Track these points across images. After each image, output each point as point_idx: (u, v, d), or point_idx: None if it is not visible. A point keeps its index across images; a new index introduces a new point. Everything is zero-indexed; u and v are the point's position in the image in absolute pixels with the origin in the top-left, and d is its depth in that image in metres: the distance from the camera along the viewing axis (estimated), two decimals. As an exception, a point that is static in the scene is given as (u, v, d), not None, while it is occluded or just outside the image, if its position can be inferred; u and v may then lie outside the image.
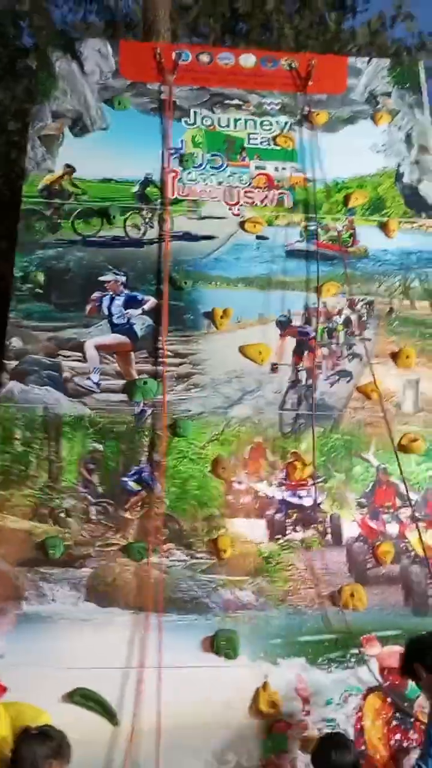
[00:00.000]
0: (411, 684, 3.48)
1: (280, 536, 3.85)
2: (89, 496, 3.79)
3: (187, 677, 3.46)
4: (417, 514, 3.98)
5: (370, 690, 3.61)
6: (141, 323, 4.16)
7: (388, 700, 3.59)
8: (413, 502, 4.00)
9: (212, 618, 3.62)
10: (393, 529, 3.96)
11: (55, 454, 3.85)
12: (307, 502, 3.95)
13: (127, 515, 3.78)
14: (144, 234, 4.38)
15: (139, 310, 4.17)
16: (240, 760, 3.38)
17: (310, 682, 3.57)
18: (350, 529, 3.92)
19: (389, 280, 4.50)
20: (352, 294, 4.41)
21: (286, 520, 3.89)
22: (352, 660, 3.64)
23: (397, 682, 3.62)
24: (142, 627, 3.51)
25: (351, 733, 3.49)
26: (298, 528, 3.89)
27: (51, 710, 3.04)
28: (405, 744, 3.53)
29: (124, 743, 3.29)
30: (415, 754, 3.22)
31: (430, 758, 2.79)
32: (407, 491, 3.95)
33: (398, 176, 4.74)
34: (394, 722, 3.57)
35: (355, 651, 3.65)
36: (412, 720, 3.55)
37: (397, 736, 3.55)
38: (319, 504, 3.95)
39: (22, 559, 3.62)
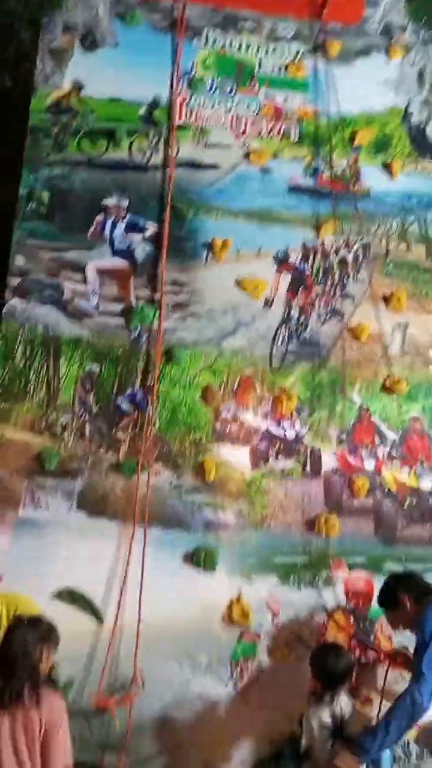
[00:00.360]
0: (374, 606, 3.79)
1: (262, 464, 4.06)
2: (85, 414, 3.96)
3: (167, 586, 3.74)
4: (393, 453, 4.19)
5: (335, 609, 3.90)
6: (142, 249, 4.22)
7: (351, 618, 3.89)
8: (391, 442, 4.21)
9: (194, 534, 3.86)
10: (370, 465, 4.17)
11: (53, 372, 3.98)
12: (290, 434, 4.15)
13: (120, 435, 3.96)
14: (149, 159, 4.37)
15: (141, 236, 4.22)
16: (211, 661, 3.70)
17: (281, 598, 3.85)
18: (329, 462, 4.13)
19: (388, 222, 4.55)
20: (350, 234, 4.46)
21: (269, 450, 4.10)
22: (321, 582, 3.92)
23: (360, 604, 3.92)
24: (128, 538, 3.75)
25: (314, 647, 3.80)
26: (279, 458, 4.10)
27: (41, 607, 3.31)
28: (362, 660, 3.81)
29: (106, 640, 3.58)
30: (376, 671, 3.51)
31: (425, 681, 2.95)
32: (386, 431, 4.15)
33: (406, 115, 4.71)
34: (355, 640, 3.87)
35: (325, 574, 3.92)
36: (372, 640, 3.85)
37: (357, 652, 3.85)
38: (302, 437, 4.14)
39: (20, 468, 3.82)
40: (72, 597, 3.63)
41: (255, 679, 3.72)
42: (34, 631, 2.75)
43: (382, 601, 3.41)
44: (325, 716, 3.11)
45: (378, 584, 3.84)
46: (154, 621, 3.66)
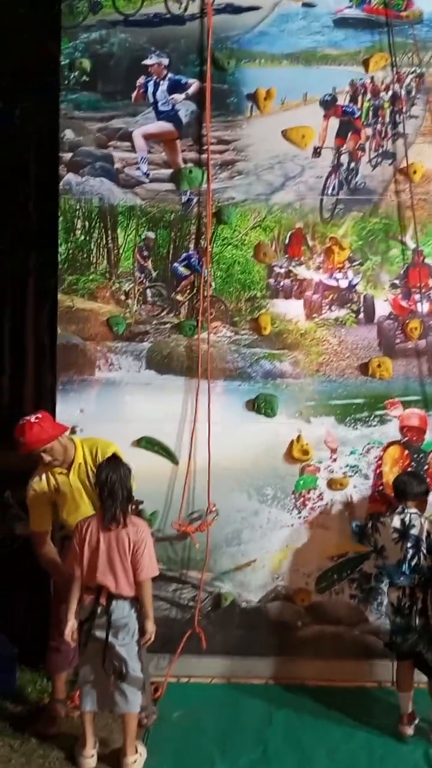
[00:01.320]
0: (427, 437, 4.09)
1: (316, 315, 4.25)
2: (145, 280, 4.24)
3: (232, 430, 4.15)
4: (448, 294, 4.25)
5: (390, 443, 4.22)
6: (185, 109, 4.22)
7: (406, 451, 4.20)
8: (445, 283, 4.25)
9: (254, 384, 4.20)
10: (423, 307, 4.26)
11: (112, 241, 4.23)
12: (343, 284, 4.27)
13: (179, 297, 4.24)
14: (186, 7, 4.23)
15: (183, 95, 4.21)
16: (276, 493, 4.16)
17: (338, 437, 4.20)
18: (382, 308, 4.26)
19: (443, 48, 4.27)
20: (402, 66, 4.24)
21: (323, 301, 4.26)
22: (376, 420, 4.21)
23: (414, 438, 4.20)
24: (195, 390, 4.14)
25: (371, 476, 4.19)
26: (333, 308, 4.27)
27: (124, 454, 3.80)
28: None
29: (182, 478, 4.10)
30: None
31: None
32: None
33: None
34: (409, 469, 4.20)
35: (380, 413, 4.20)
36: (425, 467, 4.18)
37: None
38: (355, 285, 4.26)
39: (92, 335, 4.21)
40: (150, 444, 4.12)
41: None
42: (125, 465, 3.26)
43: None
44: (396, 522, 3.61)
45: (432, 420, 4.13)
46: (223, 461, 4.12)
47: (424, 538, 3.57)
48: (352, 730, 3.47)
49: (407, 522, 3.61)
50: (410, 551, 3.57)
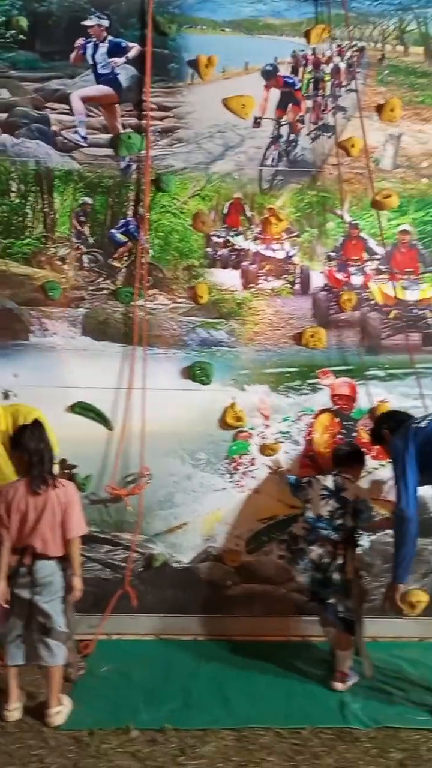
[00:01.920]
0: (357, 406, 4.25)
1: (252, 285, 4.32)
2: (81, 246, 4.24)
3: (167, 397, 4.23)
4: (381, 267, 4.37)
5: (322, 411, 4.36)
6: (125, 73, 4.18)
7: (336, 419, 4.35)
8: (379, 256, 4.37)
9: (190, 352, 4.27)
10: (357, 280, 4.38)
11: (48, 206, 4.21)
12: (280, 255, 4.35)
13: (116, 264, 4.25)
14: (127, -31, 4.16)
15: (123, 59, 4.17)
16: (209, 458, 4.28)
17: (271, 404, 4.32)
18: (318, 280, 4.36)
19: (385, 23, 4.32)
20: (343, 39, 4.28)
21: (260, 271, 4.33)
22: (308, 388, 4.34)
23: (345, 406, 4.35)
24: (130, 357, 4.19)
25: (302, 443, 4.33)
26: (270, 278, 4.34)
27: (58, 419, 3.86)
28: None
29: (116, 443, 4.16)
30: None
31: (401, 492, 3.44)
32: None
33: None
34: (338, 436, 4.35)
35: (312, 381, 4.33)
36: (354, 434, 4.34)
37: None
38: (291, 257, 4.34)
39: (28, 300, 4.21)
40: (84, 409, 4.17)
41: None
42: (43, 429, 3.32)
43: (372, 440, 3.91)
44: (329, 482, 3.80)
45: (362, 389, 4.28)
46: (158, 427, 4.20)
47: (351, 501, 3.74)
48: (274, 680, 3.67)
49: (339, 484, 3.78)
50: (338, 511, 3.73)
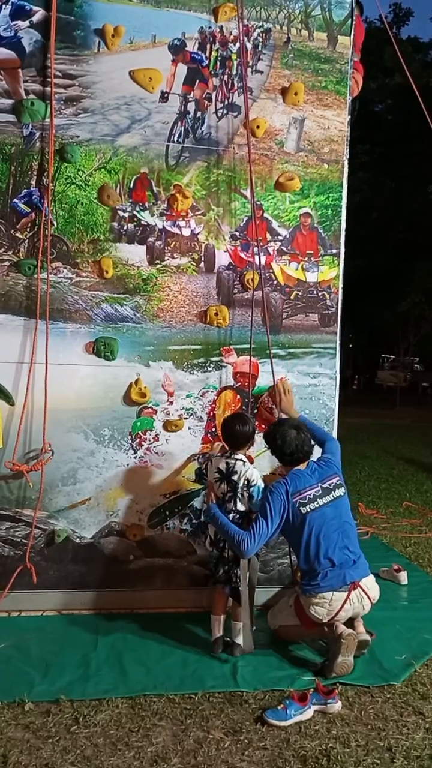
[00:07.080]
0: (258, 384, 4.36)
1: (158, 261, 4.33)
2: (-19, 216, 4.10)
3: (71, 372, 4.19)
4: (283, 248, 4.48)
5: (224, 388, 4.45)
6: (29, 37, 4.06)
7: (238, 396, 4.45)
8: (281, 238, 4.47)
9: (95, 327, 4.24)
10: (260, 260, 4.46)
11: None
12: (186, 232, 4.37)
13: (18, 234, 4.15)
14: None
15: (27, 22, 4.04)
16: (113, 434, 4.28)
17: (175, 381, 4.36)
18: (222, 258, 4.42)
19: (290, 6, 4.39)
20: (250, 20, 4.32)
21: (165, 248, 4.35)
22: (212, 366, 4.41)
23: (246, 383, 4.46)
24: (33, 331, 4.11)
25: (205, 419, 4.41)
26: (175, 255, 4.37)
27: None
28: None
29: (18, 418, 4.10)
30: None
31: (259, 531, 3.66)
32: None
33: None
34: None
35: (215, 359, 4.40)
36: (255, 411, 4.46)
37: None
38: (197, 234, 4.38)
39: None
40: (-17, 383, 4.07)
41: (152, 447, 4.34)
42: None
43: (266, 437, 4.03)
44: (222, 464, 3.87)
45: (262, 367, 4.39)
46: (61, 402, 4.16)
47: (242, 485, 3.82)
48: (171, 650, 3.75)
49: (230, 467, 3.86)
50: (228, 494, 3.83)
